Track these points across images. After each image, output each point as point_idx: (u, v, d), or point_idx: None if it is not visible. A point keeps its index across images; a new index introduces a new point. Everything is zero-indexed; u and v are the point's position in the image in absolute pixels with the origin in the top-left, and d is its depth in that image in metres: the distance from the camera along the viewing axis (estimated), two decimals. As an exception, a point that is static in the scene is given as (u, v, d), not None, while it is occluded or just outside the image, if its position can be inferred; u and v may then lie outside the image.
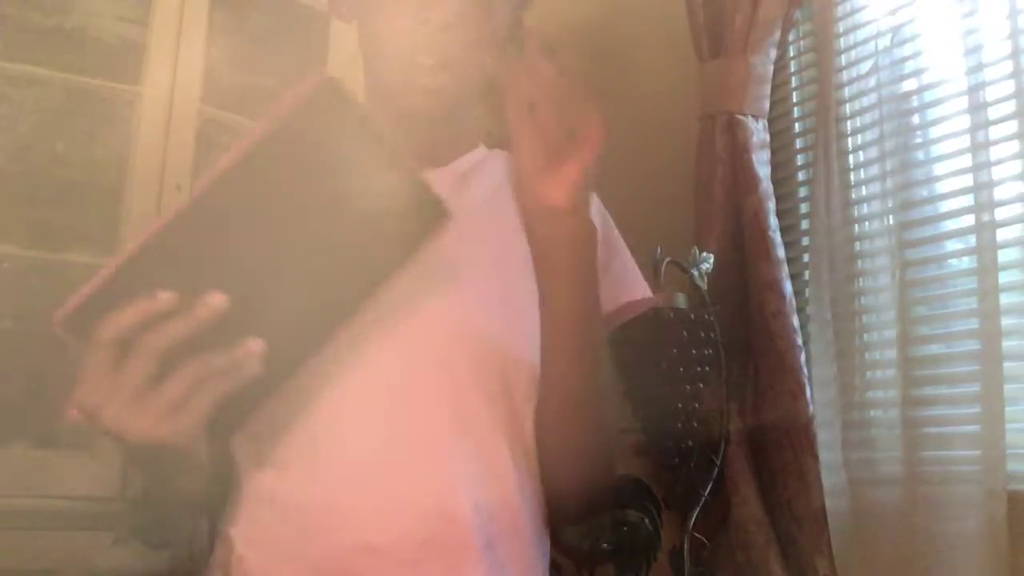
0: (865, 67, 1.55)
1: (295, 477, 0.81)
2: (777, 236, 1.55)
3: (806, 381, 1.46)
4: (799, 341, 1.49)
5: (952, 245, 1.42)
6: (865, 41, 1.57)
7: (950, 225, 1.41)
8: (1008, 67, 1.32)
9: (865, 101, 1.55)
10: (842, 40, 1.61)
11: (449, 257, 0.87)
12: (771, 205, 1.58)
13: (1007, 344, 1.26)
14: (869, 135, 1.54)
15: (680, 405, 1.41)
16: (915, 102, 1.48)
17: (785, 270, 1.53)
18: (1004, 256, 1.30)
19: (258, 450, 0.83)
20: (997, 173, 1.32)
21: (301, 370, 0.69)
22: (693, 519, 1.43)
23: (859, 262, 1.53)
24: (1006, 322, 1.26)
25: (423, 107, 0.88)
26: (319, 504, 0.80)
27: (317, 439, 0.82)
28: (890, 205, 1.47)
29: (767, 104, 1.64)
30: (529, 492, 0.87)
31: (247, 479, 0.83)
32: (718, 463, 1.45)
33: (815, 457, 1.42)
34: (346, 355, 0.81)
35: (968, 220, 1.35)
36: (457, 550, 0.80)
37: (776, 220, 1.57)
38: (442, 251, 0.86)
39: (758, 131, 1.62)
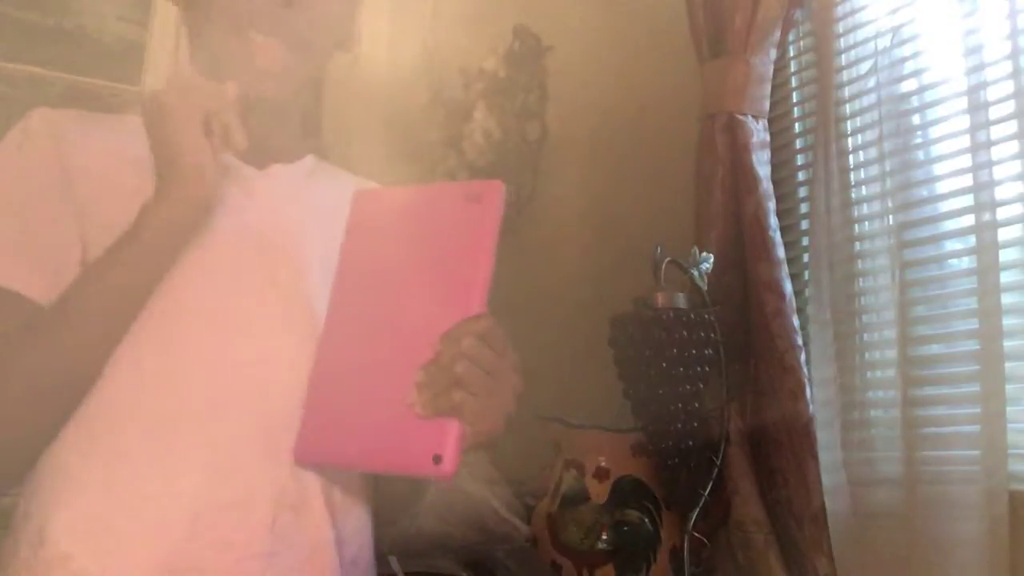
0: (865, 67, 1.55)
1: (138, 466, 0.75)
2: (777, 236, 1.55)
3: (806, 381, 1.46)
4: (799, 341, 1.48)
5: (952, 245, 1.42)
6: (865, 41, 1.56)
7: (950, 225, 1.41)
8: (1008, 67, 1.32)
9: (865, 101, 1.55)
10: (842, 40, 1.61)
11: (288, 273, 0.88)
12: (771, 205, 1.57)
13: (1008, 344, 1.25)
14: (869, 135, 1.54)
15: (680, 405, 1.41)
16: (915, 102, 1.48)
17: (785, 270, 1.53)
18: (1005, 256, 1.29)
19: (89, 436, 0.76)
20: (997, 173, 1.31)
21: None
22: (693, 519, 1.43)
23: (859, 262, 1.52)
24: (1007, 322, 1.26)
25: (261, 89, 0.85)
26: (169, 496, 0.74)
27: (162, 426, 0.76)
28: (890, 205, 1.47)
29: (767, 104, 1.64)
30: (353, 525, 0.85)
31: (73, 466, 0.75)
32: (718, 463, 1.45)
33: (815, 457, 1.41)
34: (186, 342, 0.78)
35: (968, 220, 1.35)
36: (312, 544, 0.79)
37: (776, 220, 1.56)
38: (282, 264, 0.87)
39: (758, 131, 1.61)
